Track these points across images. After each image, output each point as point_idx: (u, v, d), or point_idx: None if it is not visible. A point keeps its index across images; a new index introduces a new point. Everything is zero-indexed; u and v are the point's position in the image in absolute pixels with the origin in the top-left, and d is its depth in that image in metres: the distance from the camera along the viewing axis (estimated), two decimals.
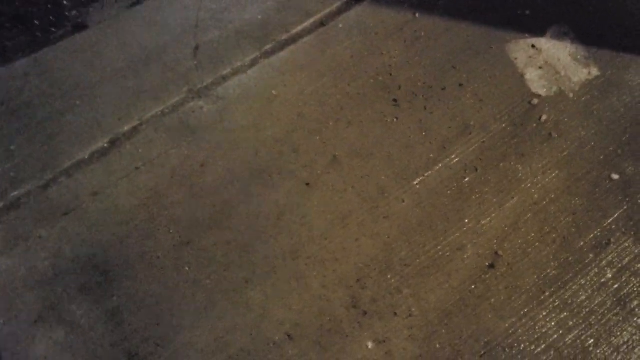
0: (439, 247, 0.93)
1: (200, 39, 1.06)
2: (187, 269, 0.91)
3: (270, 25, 1.07)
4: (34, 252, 0.91)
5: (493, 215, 0.95)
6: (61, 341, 0.87)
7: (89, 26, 1.06)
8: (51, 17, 1.07)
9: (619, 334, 0.90)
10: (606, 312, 0.91)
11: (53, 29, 1.06)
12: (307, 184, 0.96)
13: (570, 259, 0.93)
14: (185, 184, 0.96)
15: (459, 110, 1.03)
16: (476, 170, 0.98)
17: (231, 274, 0.91)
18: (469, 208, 0.95)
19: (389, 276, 0.92)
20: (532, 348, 0.89)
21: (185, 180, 0.96)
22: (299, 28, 1.08)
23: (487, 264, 0.92)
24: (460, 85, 1.05)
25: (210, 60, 1.05)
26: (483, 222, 0.94)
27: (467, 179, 0.97)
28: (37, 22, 1.07)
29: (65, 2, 1.08)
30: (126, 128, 0.98)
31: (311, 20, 1.09)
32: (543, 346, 0.89)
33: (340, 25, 1.09)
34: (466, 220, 0.94)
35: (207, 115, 1.01)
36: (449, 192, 0.97)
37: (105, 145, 0.97)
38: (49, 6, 1.09)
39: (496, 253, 0.92)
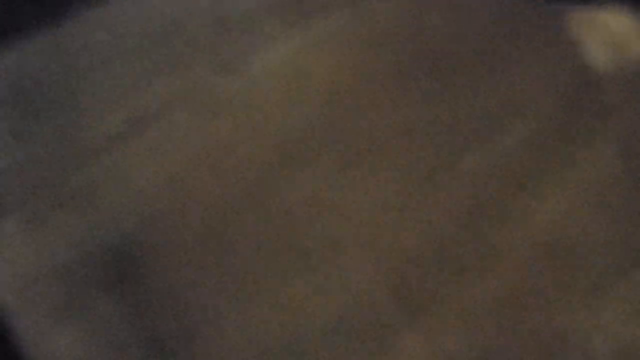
0: (491, 237, 0.89)
1: (227, 11, 1.03)
2: (216, 257, 0.87)
3: None
4: (55, 242, 0.88)
5: (550, 200, 0.91)
6: (84, 333, 0.84)
7: (110, 1, 1.04)
8: None
9: None
10: None
11: (69, 3, 1.04)
12: (345, 167, 0.92)
13: (634, 248, 0.90)
14: (211, 165, 0.92)
15: (509, 86, 0.98)
16: (529, 152, 0.94)
17: (264, 263, 0.87)
18: (523, 193, 0.92)
19: (438, 267, 0.88)
20: (595, 345, 0.86)
21: (212, 161, 0.92)
22: None
23: (543, 254, 0.88)
24: (510, 59, 1.00)
25: (237, 33, 1.01)
26: (538, 208, 0.90)
27: (519, 162, 0.93)
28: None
29: None
30: (147, 107, 0.96)
31: None
32: (606, 340, 0.86)
33: None
34: (520, 206, 0.91)
35: (233, 91, 0.97)
36: (500, 175, 0.92)
37: (125, 126, 0.94)
38: None
39: (553, 242, 0.89)
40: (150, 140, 0.93)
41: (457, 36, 1.03)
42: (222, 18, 1.03)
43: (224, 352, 0.85)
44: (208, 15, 1.03)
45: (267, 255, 0.88)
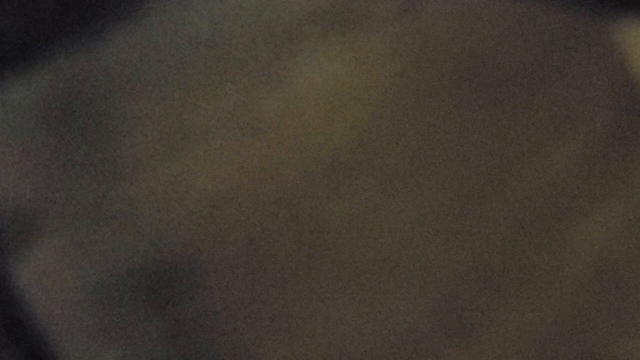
0: (539, 257, 0.87)
1: (270, 26, 1.02)
2: (256, 279, 0.86)
3: (346, 9, 1.03)
4: (95, 263, 0.87)
5: (600, 219, 0.89)
6: (124, 355, 0.84)
7: (149, 14, 1.04)
8: (113, 5, 1.05)
9: None
10: None
11: (107, 17, 1.04)
12: (387, 187, 0.91)
13: None
14: (253, 186, 0.91)
15: (557, 102, 0.96)
16: (577, 170, 0.91)
17: (304, 286, 0.86)
18: (572, 213, 0.89)
19: (483, 291, 0.87)
20: None
21: (253, 182, 0.92)
22: (379, 12, 1.03)
23: (592, 277, 0.86)
24: (558, 74, 0.98)
25: (279, 49, 1.00)
26: (587, 229, 0.89)
27: (567, 181, 0.91)
28: (92, 10, 1.04)
29: None
30: (187, 126, 0.95)
31: (391, 2, 1.04)
32: None
33: (425, 9, 1.05)
34: (568, 227, 0.89)
35: (275, 110, 0.96)
36: (547, 195, 0.90)
37: (166, 146, 0.94)
38: None
39: (602, 264, 0.87)
40: (191, 160, 0.93)
41: (503, 51, 1.01)
42: (264, 34, 1.03)
43: None
44: (250, 32, 1.03)
45: (308, 278, 0.87)
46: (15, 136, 0.97)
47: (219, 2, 1.04)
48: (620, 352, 0.85)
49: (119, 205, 0.90)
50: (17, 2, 1.04)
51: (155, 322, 0.86)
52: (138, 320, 0.86)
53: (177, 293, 0.87)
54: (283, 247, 0.90)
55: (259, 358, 0.85)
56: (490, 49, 1.02)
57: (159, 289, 0.87)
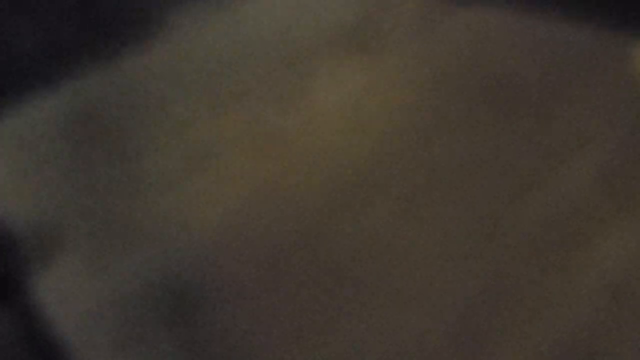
0: (555, 279, 0.86)
1: (290, 47, 1.04)
2: (277, 293, 0.86)
3: (365, 29, 1.04)
4: (114, 277, 0.88)
5: (617, 240, 0.88)
6: None
7: (169, 34, 1.05)
8: (133, 25, 1.07)
9: None
10: None
11: (134, 38, 1.05)
12: (405, 207, 0.91)
13: None
14: (270, 204, 0.92)
15: (574, 122, 0.96)
16: (596, 187, 0.91)
17: (319, 303, 0.85)
18: (590, 232, 0.88)
19: (499, 312, 0.85)
20: None
21: (270, 200, 0.92)
22: (398, 32, 1.04)
23: (613, 297, 0.85)
24: (576, 94, 0.98)
25: (299, 69, 1.02)
26: (605, 249, 0.87)
27: (585, 198, 0.90)
28: (118, 30, 1.06)
29: (150, 9, 1.07)
30: (206, 144, 0.96)
31: (410, 22, 1.04)
32: None
33: (444, 29, 1.05)
34: (587, 246, 0.87)
35: (293, 129, 0.97)
36: (566, 214, 0.90)
37: (185, 163, 0.95)
38: (131, 13, 1.08)
39: (620, 284, 0.85)
40: (209, 177, 0.93)
41: (520, 72, 1.01)
42: (284, 52, 1.03)
43: None
44: (270, 51, 1.03)
45: (324, 296, 0.86)
46: (39, 153, 0.98)
47: (239, 21, 1.05)
48: None
49: (138, 221, 0.91)
50: (39, 24, 1.06)
51: (171, 337, 0.86)
52: (155, 335, 0.85)
53: (194, 309, 0.87)
54: (300, 265, 0.90)
55: None
56: (508, 69, 1.01)
57: (176, 304, 0.87)
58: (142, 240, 0.90)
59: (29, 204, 0.94)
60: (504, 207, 0.93)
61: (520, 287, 0.86)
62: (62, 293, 0.88)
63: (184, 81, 1.00)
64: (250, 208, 0.93)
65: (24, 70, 1.06)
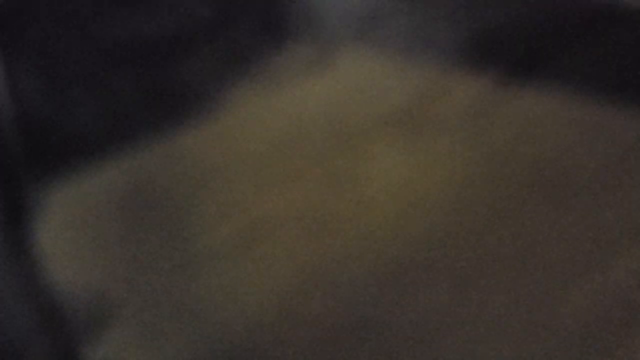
0: None
1: (345, 125, 1.05)
2: None
3: (418, 111, 1.05)
4: (164, 351, 0.87)
5: None
6: None
7: (227, 111, 1.07)
8: (192, 101, 1.08)
9: None
10: None
11: (192, 114, 1.07)
12: (457, 289, 0.89)
13: None
14: (322, 281, 0.91)
15: (628, 208, 0.95)
16: None
17: None
18: (635, 323, 0.85)
19: None
20: None
21: (321, 279, 0.91)
22: (451, 115, 1.04)
23: None
24: (629, 180, 0.97)
25: (352, 148, 1.02)
26: None
27: (633, 289, 0.87)
28: (176, 105, 1.07)
29: (209, 86, 1.09)
30: (258, 221, 0.96)
31: (464, 107, 1.05)
32: None
33: (497, 114, 1.05)
34: (632, 337, 0.84)
35: (346, 208, 0.97)
36: (612, 303, 0.87)
37: (236, 238, 0.95)
38: (190, 89, 1.09)
39: None
40: (261, 255, 0.93)
41: (572, 158, 1.00)
42: (338, 134, 1.04)
43: None
44: (324, 131, 1.04)
45: None
46: (94, 224, 0.99)
47: (295, 101, 1.06)
48: None
49: (189, 296, 0.91)
50: (101, 97, 1.08)
51: None
52: None
53: None
54: (351, 350, 0.89)
55: None
56: (560, 155, 1.01)
57: None
58: (191, 320, 0.90)
59: (82, 275, 0.95)
60: (552, 294, 0.90)
61: None
62: None
63: (238, 159, 1.01)
64: (301, 291, 0.92)
65: (84, 140, 1.08)
